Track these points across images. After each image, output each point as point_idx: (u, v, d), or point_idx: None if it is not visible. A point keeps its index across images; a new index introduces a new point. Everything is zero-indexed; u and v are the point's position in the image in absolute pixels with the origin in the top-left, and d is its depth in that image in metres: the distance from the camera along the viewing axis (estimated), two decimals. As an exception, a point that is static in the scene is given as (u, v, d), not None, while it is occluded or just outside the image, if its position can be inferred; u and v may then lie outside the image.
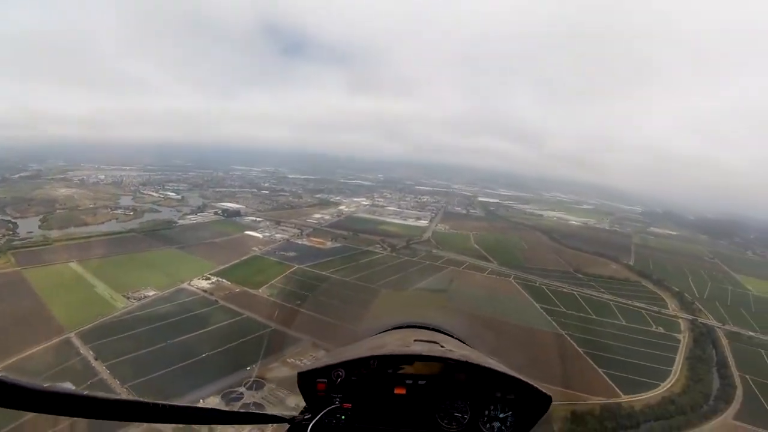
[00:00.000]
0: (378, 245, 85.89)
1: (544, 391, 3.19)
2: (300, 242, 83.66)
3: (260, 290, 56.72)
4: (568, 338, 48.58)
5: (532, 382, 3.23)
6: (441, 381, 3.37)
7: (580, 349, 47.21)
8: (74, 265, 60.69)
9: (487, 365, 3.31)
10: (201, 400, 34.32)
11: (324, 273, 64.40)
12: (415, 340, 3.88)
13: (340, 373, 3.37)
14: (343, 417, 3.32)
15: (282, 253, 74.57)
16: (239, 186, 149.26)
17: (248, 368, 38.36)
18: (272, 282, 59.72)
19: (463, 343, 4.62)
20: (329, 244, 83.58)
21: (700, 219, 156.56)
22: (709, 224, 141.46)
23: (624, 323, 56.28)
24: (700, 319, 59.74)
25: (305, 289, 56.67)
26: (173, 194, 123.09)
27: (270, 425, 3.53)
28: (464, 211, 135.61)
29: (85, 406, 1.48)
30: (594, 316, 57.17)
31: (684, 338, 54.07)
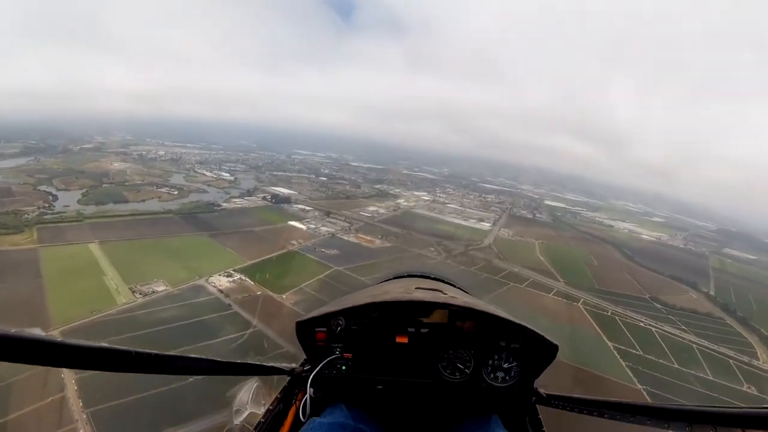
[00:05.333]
0: (432, 248, 75.83)
1: (550, 339, 3.06)
2: (346, 238, 74.85)
3: (285, 296, 48.12)
4: (647, 396, 38.57)
5: (538, 331, 3.11)
6: (444, 329, 3.27)
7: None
8: (94, 247, 55.54)
9: (492, 312, 3.17)
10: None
11: (363, 278, 54.92)
12: (417, 288, 3.70)
13: (340, 322, 3.23)
14: (343, 367, 3.27)
15: (322, 250, 66.01)
16: (298, 171, 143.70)
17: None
18: (301, 286, 51.13)
19: (466, 292, 4.45)
20: (378, 243, 74.20)
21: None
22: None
23: (711, 377, 44.45)
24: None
25: (336, 299, 47.64)
26: (227, 175, 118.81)
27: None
28: (530, 216, 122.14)
29: (58, 354, 1.34)
30: (676, 365, 45.66)
31: (782, 404, 41.86)
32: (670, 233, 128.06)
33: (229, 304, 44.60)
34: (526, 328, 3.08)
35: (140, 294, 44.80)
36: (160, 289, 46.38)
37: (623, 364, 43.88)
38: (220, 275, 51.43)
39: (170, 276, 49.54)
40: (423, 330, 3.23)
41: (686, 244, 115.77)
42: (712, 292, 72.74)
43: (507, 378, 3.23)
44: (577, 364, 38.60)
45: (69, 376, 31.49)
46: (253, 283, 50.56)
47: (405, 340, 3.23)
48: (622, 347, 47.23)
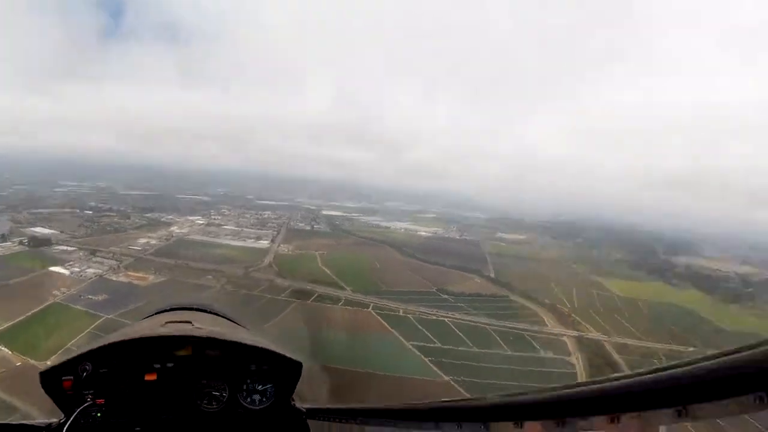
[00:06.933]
0: (210, 276, 75.62)
1: (291, 357, 3.26)
2: (115, 278, 71.86)
3: (50, 361, 46.04)
4: (456, 386, 41.88)
5: (280, 351, 3.26)
6: (192, 361, 3.27)
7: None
8: None
9: (233, 339, 3.27)
10: None
11: (137, 324, 55.99)
12: (167, 322, 3.64)
13: (87, 367, 3.05)
14: (98, 414, 3.09)
15: (90, 297, 62.83)
16: (60, 206, 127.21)
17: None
18: (69, 345, 48.92)
19: (227, 319, 4.51)
20: (151, 279, 72.88)
21: (545, 222, 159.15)
22: (552, 227, 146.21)
23: (510, 352, 49.69)
24: (584, 335, 54.84)
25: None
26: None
27: None
28: (308, 227, 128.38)
29: None
30: (476, 348, 49.75)
31: (578, 361, 49.51)
32: (444, 227, 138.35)
33: (-20, 388, 42.13)
34: (268, 350, 3.24)
35: None
36: None
37: (426, 360, 45.97)
38: (-34, 350, 47.90)
39: None
40: (169, 365, 3.23)
41: (462, 235, 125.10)
42: (492, 275, 78.86)
43: (264, 399, 3.34)
44: (382, 371, 40.91)
45: None
46: (10, 352, 47.99)
47: (154, 377, 3.20)
48: (422, 344, 49.33)
